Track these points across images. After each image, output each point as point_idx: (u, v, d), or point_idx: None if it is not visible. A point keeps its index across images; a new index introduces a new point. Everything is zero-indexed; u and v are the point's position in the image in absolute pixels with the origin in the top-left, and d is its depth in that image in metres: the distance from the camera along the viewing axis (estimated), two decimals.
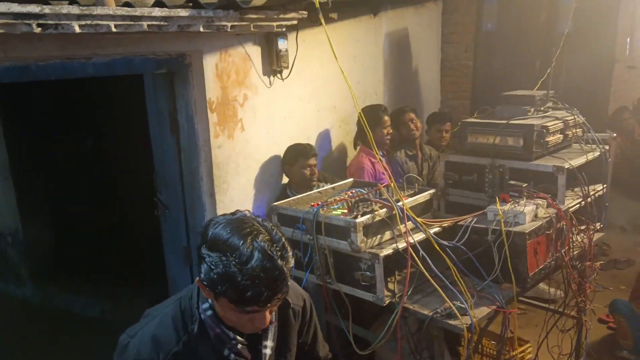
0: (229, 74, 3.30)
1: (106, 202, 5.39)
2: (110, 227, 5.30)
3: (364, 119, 2.73)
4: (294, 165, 3.59)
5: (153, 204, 3.59)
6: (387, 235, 2.58)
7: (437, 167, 4.28)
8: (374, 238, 2.51)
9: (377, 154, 2.86)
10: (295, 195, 3.31)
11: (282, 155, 3.73)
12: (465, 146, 3.18)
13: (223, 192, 3.39)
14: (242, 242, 1.44)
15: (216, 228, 1.48)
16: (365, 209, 2.55)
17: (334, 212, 2.56)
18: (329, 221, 2.48)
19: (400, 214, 2.52)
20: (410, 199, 2.73)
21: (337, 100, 4.18)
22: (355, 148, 4.06)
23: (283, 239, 1.52)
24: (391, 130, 3.95)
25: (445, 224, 2.72)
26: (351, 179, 3.22)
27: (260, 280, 1.43)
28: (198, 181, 3.31)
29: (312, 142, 3.91)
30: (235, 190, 3.45)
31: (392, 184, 2.69)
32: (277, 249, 1.47)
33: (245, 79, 3.43)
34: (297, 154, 3.58)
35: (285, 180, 3.79)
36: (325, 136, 4.13)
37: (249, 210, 1.57)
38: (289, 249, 1.52)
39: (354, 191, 2.82)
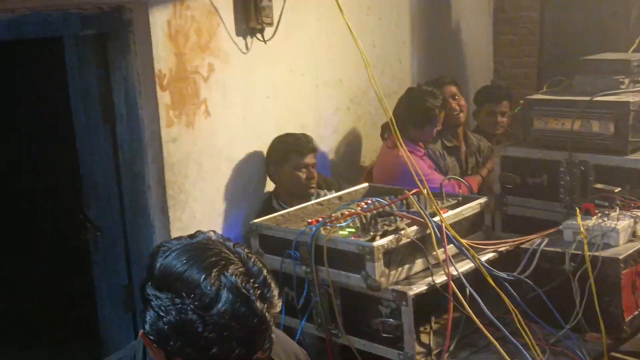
0: (186, 35, 3.31)
1: (12, 225, 5.31)
2: (17, 258, 5.21)
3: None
4: (283, 166, 3.63)
5: (78, 225, 3.56)
6: (419, 265, 2.59)
7: (489, 165, 4.25)
8: (400, 269, 2.51)
9: (401, 146, 2.79)
10: (284, 208, 3.32)
11: (265, 152, 3.73)
12: (530, 135, 3.17)
13: (180, 205, 3.39)
14: (203, 276, 1.44)
15: (167, 257, 1.48)
16: (386, 228, 2.54)
17: (341, 233, 2.56)
18: (334, 245, 2.49)
19: (438, 234, 2.51)
20: (451, 212, 2.73)
21: (343, 71, 4.15)
22: (383, 138, 4.10)
23: (265, 272, 1.51)
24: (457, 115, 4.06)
25: (502, 248, 2.72)
26: (365, 184, 3.25)
27: (231, 332, 1.41)
28: (143, 191, 3.30)
29: (309, 132, 3.87)
30: (197, 202, 3.46)
31: (424, 191, 2.66)
32: (256, 285, 1.46)
33: (210, 42, 3.42)
34: (287, 149, 3.61)
35: (270, 187, 3.80)
36: (327, 123, 4.11)
37: (214, 231, 1.57)
38: (273, 286, 1.52)
39: (369, 201, 2.83)
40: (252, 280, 1.46)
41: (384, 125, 4.12)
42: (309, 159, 3.64)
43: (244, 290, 1.43)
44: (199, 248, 1.50)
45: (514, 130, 4.43)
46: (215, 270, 1.45)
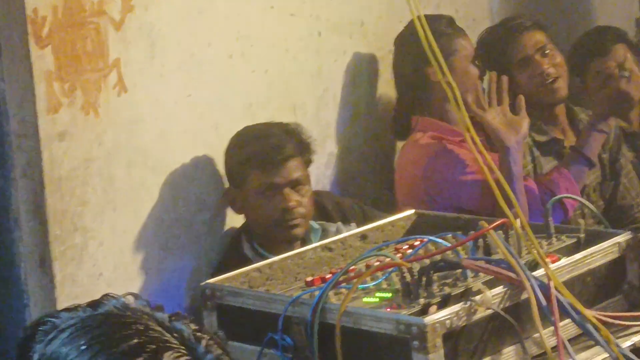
0: None
1: None
2: None
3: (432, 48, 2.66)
4: (242, 190, 3.61)
5: None
6: (509, 357, 2.50)
7: (626, 165, 4.33)
8: None
9: (469, 135, 2.74)
10: (265, 256, 3.39)
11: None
12: None
13: (74, 254, 3.31)
14: None
15: (51, 342, 1.50)
16: (449, 290, 2.48)
17: (366, 300, 2.52)
18: (353, 323, 2.41)
19: (542, 300, 2.43)
20: (566, 261, 2.64)
21: (367, 7, 4.17)
22: (400, 133, 4.13)
23: None
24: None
25: None
26: (410, 211, 3.17)
27: None
28: (8, 229, 3.26)
29: (308, 119, 3.90)
30: (105, 248, 3.40)
31: (515, 222, 2.61)
32: None
33: None
34: (242, 162, 3.61)
35: (239, 218, 3.74)
36: (339, 101, 4.15)
37: (134, 295, 1.59)
38: None
39: (417, 242, 2.77)
40: None
41: (397, 113, 4.15)
42: (284, 175, 3.59)
43: None
44: (109, 324, 1.53)
45: None
46: None
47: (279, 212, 3.55)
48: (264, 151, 3.58)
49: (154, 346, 1.51)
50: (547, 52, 4.23)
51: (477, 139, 2.80)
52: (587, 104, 4.52)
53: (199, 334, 1.56)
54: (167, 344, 1.52)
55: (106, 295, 1.60)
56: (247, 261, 3.24)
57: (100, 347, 1.50)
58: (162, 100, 3.56)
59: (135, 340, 1.52)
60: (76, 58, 3.29)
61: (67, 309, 1.57)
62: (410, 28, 3.82)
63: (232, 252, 3.65)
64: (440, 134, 3.98)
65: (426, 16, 3.88)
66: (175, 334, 1.55)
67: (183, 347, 1.53)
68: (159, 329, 1.56)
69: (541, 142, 4.21)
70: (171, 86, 3.58)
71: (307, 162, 3.66)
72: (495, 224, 2.65)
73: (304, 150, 3.64)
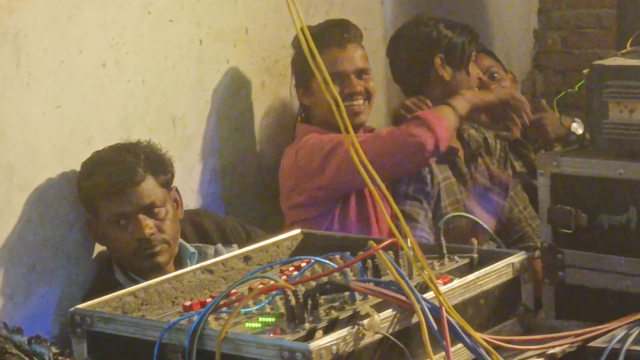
0: None
1: None
2: None
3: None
4: (98, 219, 3.56)
5: None
6: None
7: (513, 178, 4.39)
8: None
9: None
10: (135, 280, 3.41)
11: None
12: (602, 133, 3.13)
13: None
14: None
15: None
16: (336, 314, 2.50)
17: (249, 325, 2.54)
18: (234, 350, 2.44)
19: (433, 324, 2.47)
20: (457, 283, 2.69)
21: (250, 13, 4.19)
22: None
23: None
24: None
25: (555, 349, 2.70)
26: (296, 231, 3.20)
27: None
28: None
29: (190, 131, 3.93)
30: None
31: (403, 242, 2.64)
32: None
33: None
34: (90, 193, 3.54)
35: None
36: (221, 112, 4.14)
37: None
38: None
39: (304, 264, 2.80)
40: None
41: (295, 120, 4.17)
42: (134, 202, 3.50)
43: None
44: None
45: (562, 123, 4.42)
46: None
47: (135, 242, 3.50)
48: (110, 180, 3.52)
49: None
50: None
51: (357, 144, 2.73)
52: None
53: (60, 357, 1.68)
54: None
55: None
56: (118, 286, 3.19)
57: None
58: (29, 112, 3.48)
59: None
60: None
61: None
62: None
63: (103, 277, 3.60)
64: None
65: (318, 25, 4.18)
66: (34, 358, 1.64)
67: None
68: (17, 352, 1.63)
69: None
70: (39, 96, 3.50)
71: (165, 182, 3.60)
72: (384, 244, 2.65)
73: (157, 170, 3.57)
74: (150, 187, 3.56)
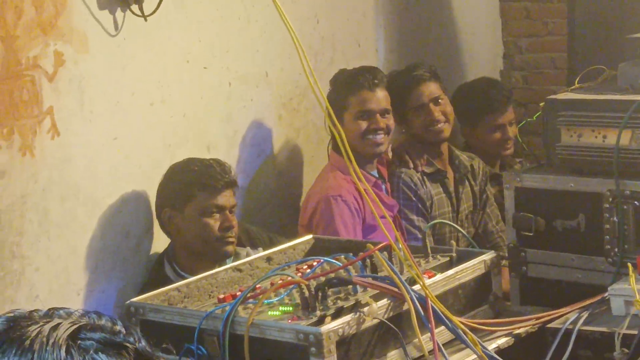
0: (19, 7, 3.22)
1: None
2: None
3: (329, 101, 2.79)
4: (184, 210, 3.55)
5: None
6: (394, 359, 2.56)
7: (490, 198, 4.39)
8: None
9: (355, 171, 2.77)
10: (185, 277, 3.27)
11: (150, 190, 3.65)
12: (556, 154, 3.16)
13: (12, 279, 3.29)
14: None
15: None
16: (341, 303, 2.52)
17: (271, 313, 2.54)
18: (260, 333, 2.45)
19: (420, 311, 2.51)
20: (440, 277, 2.72)
21: (270, 59, 4.17)
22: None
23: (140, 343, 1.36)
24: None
25: (520, 329, 2.73)
26: (308, 237, 3.20)
27: None
28: None
29: (219, 156, 3.80)
30: (41, 273, 3.35)
31: (396, 246, 2.71)
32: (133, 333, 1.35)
33: (57, 18, 3.33)
34: (189, 183, 3.54)
35: (160, 245, 3.71)
36: (247, 141, 4.15)
37: (57, 309, 1.44)
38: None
39: (315, 263, 2.80)
40: (118, 330, 1.37)
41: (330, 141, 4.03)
42: (226, 199, 3.55)
43: (119, 340, 1.33)
44: (19, 322, 1.35)
45: (528, 148, 4.52)
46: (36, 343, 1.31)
47: (222, 231, 3.54)
48: (211, 174, 3.57)
49: (75, 327, 1.41)
50: (439, 101, 4.31)
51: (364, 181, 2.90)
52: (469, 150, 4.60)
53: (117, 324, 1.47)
54: (89, 325, 1.42)
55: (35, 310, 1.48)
56: (168, 282, 3.20)
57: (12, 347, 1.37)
58: (91, 143, 3.54)
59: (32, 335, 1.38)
60: (14, 106, 3.26)
61: None
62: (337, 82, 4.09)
63: (155, 274, 3.61)
64: (341, 172, 4.07)
65: (353, 69, 4.23)
66: (102, 326, 1.43)
67: (104, 332, 1.45)
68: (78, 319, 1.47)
69: (428, 172, 4.26)
70: (99, 130, 3.56)
71: (235, 192, 3.67)
72: (380, 246, 2.69)
73: (234, 180, 3.66)
74: (233, 192, 3.64)
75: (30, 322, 1.43)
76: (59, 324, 1.38)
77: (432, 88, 4.27)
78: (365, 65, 4.27)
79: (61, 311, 1.46)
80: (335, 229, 3.87)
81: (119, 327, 1.43)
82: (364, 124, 4.02)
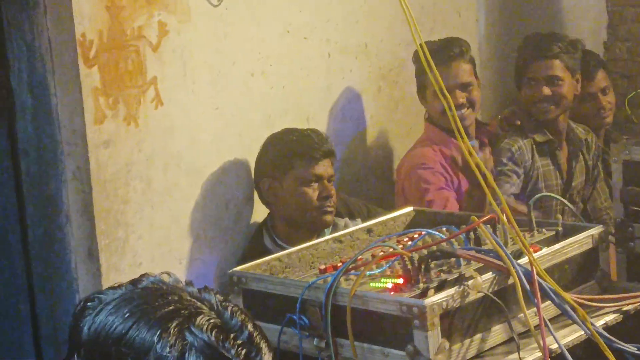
0: None
1: None
2: None
3: (427, 57, 2.65)
4: (284, 180, 3.55)
5: None
6: (498, 333, 2.52)
7: (601, 174, 4.32)
8: (468, 342, 2.47)
9: (460, 134, 2.69)
10: (283, 247, 3.32)
11: (251, 159, 3.65)
12: None
13: (117, 246, 3.32)
14: (157, 333, 1.49)
15: (99, 314, 1.55)
16: (445, 276, 2.49)
17: (373, 285, 2.53)
18: (362, 305, 2.44)
19: (526, 285, 2.45)
20: (546, 251, 2.66)
21: (369, 31, 4.12)
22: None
23: (250, 327, 1.54)
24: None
25: (629, 306, 2.67)
26: (409, 209, 3.17)
27: None
28: (59, 225, 3.28)
29: (318, 127, 3.80)
30: (144, 241, 3.39)
31: (503, 217, 2.62)
32: (239, 343, 1.50)
33: None
34: (289, 153, 3.54)
35: (260, 215, 3.72)
36: (346, 113, 4.11)
37: (169, 273, 1.63)
38: (264, 348, 1.55)
39: (417, 235, 2.76)
40: (231, 336, 1.51)
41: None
42: (324, 168, 3.55)
43: (223, 351, 1.48)
44: (147, 296, 1.56)
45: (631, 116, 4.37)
46: (174, 323, 1.50)
47: (321, 200, 3.53)
48: (310, 143, 3.56)
49: (187, 312, 1.54)
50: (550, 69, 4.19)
51: (469, 144, 2.82)
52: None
53: (224, 303, 1.58)
54: (199, 310, 1.55)
55: (144, 274, 1.63)
56: (267, 252, 3.23)
57: (140, 314, 1.53)
58: (193, 112, 3.55)
59: (171, 307, 1.54)
60: (119, 76, 3.29)
61: (111, 287, 1.62)
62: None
63: (254, 244, 3.61)
64: (434, 143, 4.02)
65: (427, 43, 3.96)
66: (205, 303, 1.58)
67: (213, 313, 1.55)
68: (190, 298, 1.59)
69: (540, 141, 4.16)
70: (201, 100, 3.57)
71: (334, 162, 3.65)
72: (484, 218, 2.65)
73: (332, 150, 3.63)
74: (332, 162, 3.63)
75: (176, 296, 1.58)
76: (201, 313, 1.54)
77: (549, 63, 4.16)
78: (451, 36, 4.18)
79: (205, 294, 1.61)
80: (424, 197, 3.83)
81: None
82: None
